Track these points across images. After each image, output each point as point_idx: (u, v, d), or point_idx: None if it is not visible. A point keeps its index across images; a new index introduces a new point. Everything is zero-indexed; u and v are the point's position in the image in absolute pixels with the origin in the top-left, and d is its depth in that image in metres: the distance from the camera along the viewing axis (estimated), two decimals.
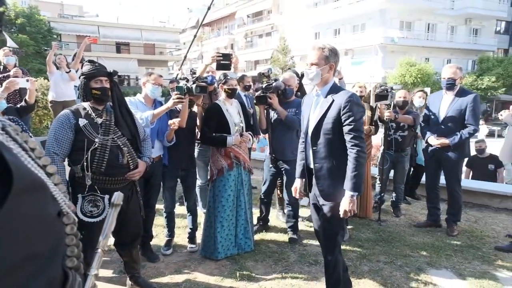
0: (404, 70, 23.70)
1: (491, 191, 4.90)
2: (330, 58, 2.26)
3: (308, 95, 2.65)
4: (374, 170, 4.91)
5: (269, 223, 4.01)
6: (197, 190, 3.95)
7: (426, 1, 27.14)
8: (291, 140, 3.54)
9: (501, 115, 3.68)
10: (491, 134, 21.17)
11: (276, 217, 4.29)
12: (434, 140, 3.80)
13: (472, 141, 4.40)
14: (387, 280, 2.89)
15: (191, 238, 3.54)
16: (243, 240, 3.36)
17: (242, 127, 3.32)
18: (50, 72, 5.86)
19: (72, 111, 2.38)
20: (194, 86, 3.01)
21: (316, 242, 3.62)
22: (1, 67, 5.21)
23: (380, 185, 4.48)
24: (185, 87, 3.00)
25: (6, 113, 3.28)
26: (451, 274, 3.03)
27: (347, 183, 2.21)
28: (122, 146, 2.39)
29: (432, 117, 3.89)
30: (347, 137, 2.22)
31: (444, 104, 3.78)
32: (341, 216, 2.25)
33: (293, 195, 2.66)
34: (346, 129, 2.21)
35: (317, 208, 2.46)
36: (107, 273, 3.00)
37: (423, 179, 4.51)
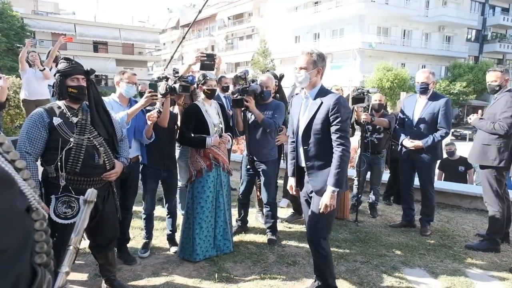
0: (381, 75, 24.34)
1: (462, 192, 5.09)
2: (318, 62, 2.41)
3: (297, 97, 2.78)
4: (351, 172, 5.00)
5: (248, 224, 4.01)
6: (177, 191, 3.91)
7: (402, 8, 28.02)
8: (268, 141, 3.59)
9: (469, 118, 3.84)
10: (463, 138, 22.06)
11: (255, 219, 4.30)
12: (408, 143, 3.92)
13: (443, 144, 4.55)
14: (363, 279, 2.95)
15: (171, 240, 3.50)
16: (222, 242, 3.34)
17: (222, 128, 3.31)
18: (23, 70, 5.66)
19: (46, 109, 2.31)
20: (177, 85, 2.99)
21: (295, 243, 3.67)
22: None
23: (357, 186, 4.57)
24: (167, 86, 2.97)
25: None
26: (424, 272, 3.12)
27: (330, 179, 2.36)
28: (98, 146, 2.34)
29: (406, 120, 4.01)
30: (334, 137, 2.37)
31: (418, 108, 3.91)
32: (321, 211, 2.37)
33: (290, 192, 2.79)
34: (333, 129, 2.37)
35: (309, 204, 2.58)
36: (82, 276, 2.92)
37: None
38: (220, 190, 3.29)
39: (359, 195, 4.55)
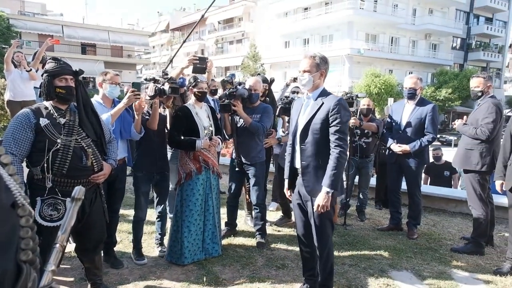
0: (370, 81, 24.69)
1: (447, 196, 5.18)
2: (321, 65, 2.46)
3: (298, 100, 2.82)
4: None
5: (237, 228, 4.00)
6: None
7: (390, 16, 28.56)
8: (256, 144, 3.61)
9: (454, 124, 3.93)
10: (448, 144, 22.47)
11: (244, 222, 4.30)
12: (396, 147, 3.98)
13: (430, 149, 4.64)
14: (351, 282, 2.97)
15: (161, 244, 3.46)
16: (211, 245, 3.32)
17: (212, 131, 3.31)
18: (8, 71, 5.55)
19: (32, 110, 2.27)
20: (167, 87, 2.97)
21: (284, 246, 3.67)
22: None
23: (345, 190, 4.61)
24: (155, 88, 2.95)
25: None
26: (411, 275, 3.16)
27: (325, 180, 2.38)
28: (86, 148, 2.31)
29: (394, 124, 4.08)
30: (332, 138, 2.39)
31: (406, 113, 3.98)
32: (314, 210, 2.39)
33: (287, 196, 2.80)
34: (332, 130, 2.39)
35: (302, 208, 2.60)
36: (68, 280, 2.86)
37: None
38: (209, 193, 3.28)
39: (348, 199, 4.59)
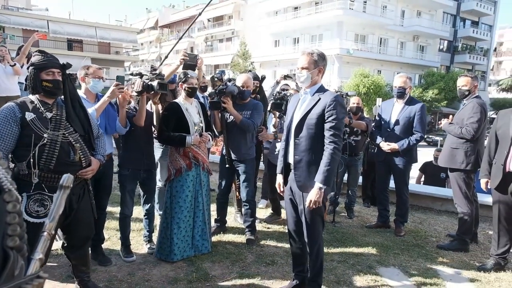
0: (358, 81, 24.93)
1: (433, 194, 5.28)
2: (319, 62, 2.47)
3: (295, 95, 2.83)
4: None
5: (226, 225, 3.99)
6: (156, 191, 3.84)
7: (379, 17, 28.88)
8: (246, 140, 3.60)
9: (440, 123, 4.00)
10: (434, 144, 22.86)
11: (234, 219, 4.29)
12: (385, 145, 4.03)
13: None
14: (340, 278, 3.00)
15: (149, 241, 3.43)
16: (200, 242, 3.31)
17: (202, 127, 3.29)
18: None
19: (17, 104, 2.21)
20: (155, 83, 2.93)
21: (273, 243, 3.68)
22: None
23: (335, 187, 4.64)
24: (143, 83, 2.92)
25: None
26: (398, 271, 3.20)
27: (319, 176, 2.37)
28: (74, 143, 2.27)
29: (383, 123, 4.12)
30: (327, 133, 2.39)
31: (395, 111, 4.03)
32: (306, 206, 2.39)
33: (278, 191, 2.80)
34: (327, 126, 2.39)
35: (293, 203, 2.61)
36: (54, 278, 2.81)
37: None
38: (199, 190, 3.26)
39: (336, 197, 4.63)
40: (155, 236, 3.46)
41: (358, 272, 3.12)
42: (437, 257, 3.53)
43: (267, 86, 5.27)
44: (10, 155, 2.20)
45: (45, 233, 0.73)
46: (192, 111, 3.25)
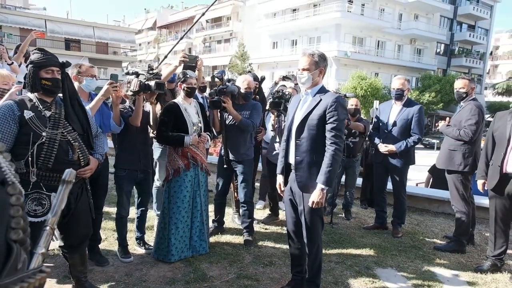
0: (356, 83, 25.00)
1: (430, 196, 5.29)
2: (320, 63, 2.49)
3: (296, 96, 2.83)
4: None
5: (224, 226, 3.99)
6: (154, 191, 3.83)
7: (376, 20, 29.01)
8: (244, 141, 3.61)
9: (438, 125, 4.02)
10: (431, 147, 22.96)
11: (232, 220, 4.29)
12: (382, 147, 4.04)
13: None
14: (338, 279, 3.00)
15: (143, 242, 3.42)
16: (198, 243, 3.30)
17: (201, 127, 3.29)
18: None
19: (16, 102, 2.20)
20: (152, 83, 2.93)
21: (271, 244, 3.68)
22: None
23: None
24: (140, 83, 2.90)
25: None
26: (396, 272, 3.21)
27: (320, 177, 2.38)
28: (72, 141, 2.26)
29: (381, 124, 4.14)
30: (328, 135, 2.40)
31: (393, 113, 4.04)
32: (310, 206, 2.40)
33: (278, 191, 2.80)
34: (328, 127, 2.40)
35: (293, 204, 2.61)
36: (51, 278, 2.79)
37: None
38: (197, 190, 3.25)
39: (334, 198, 4.63)
40: (147, 237, 3.46)
41: (356, 273, 3.12)
42: (434, 258, 3.54)
43: (265, 88, 5.28)
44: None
45: (48, 228, 0.73)
46: (191, 111, 3.24)
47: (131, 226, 3.66)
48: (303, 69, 2.48)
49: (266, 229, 4.13)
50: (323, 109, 2.41)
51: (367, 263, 3.32)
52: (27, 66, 2.28)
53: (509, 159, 3.05)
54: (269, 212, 4.43)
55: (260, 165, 4.65)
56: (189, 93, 3.24)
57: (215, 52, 38.68)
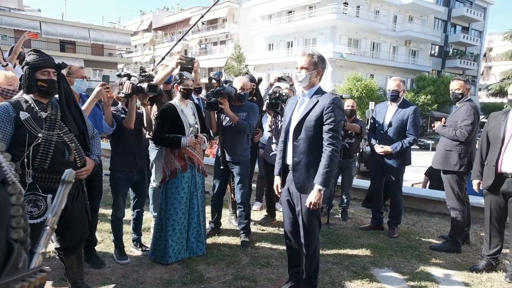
0: (352, 85, 25.12)
1: (426, 196, 5.32)
2: (318, 64, 2.50)
3: (293, 97, 2.83)
4: None
5: (221, 227, 3.98)
6: (150, 192, 3.81)
7: (372, 21, 29.19)
8: (241, 142, 3.61)
9: (433, 125, 4.05)
10: (426, 147, 23.11)
11: (229, 221, 4.28)
12: (378, 148, 4.06)
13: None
14: (335, 279, 3.01)
15: (140, 244, 3.40)
16: (195, 244, 3.29)
17: (197, 128, 3.29)
18: None
19: (11, 103, 2.20)
20: (145, 85, 2.91)
21: (268, 245, 3.68)
22: None
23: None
24: (132, 85, 2.89)
25: None
26: (392, 272, 3.23)
27: (318, 178, 2.39)
28: (69, 143, 2.25)
29: (377, 125, 4.16)
30: (325, 136, 2.41)
31: (389, 114, 4.07)
32: (307, 207, 2.41)
33: (276, 193, 2.80)
34: (325, 128, 2.41)
35: (290, 205, 2.62)
36: (47, 281, 2.77)
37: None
38: (194, 191, 3.25)
39: (330, 198, 4.64)
40: (143, 238, 3.45)
41: (353, 273, 3.13)
42: (430, 258, 3.56)
43: (261, 89, 5.29)
44: None
45: (48, 228, 0.73)
46: (187, 112, 3.24)
47: (128, 228, 3.64)
48: (302, 68, 2.50)
49: (263, 230, 4.13)
50: (320, 110, 2.43)
51: (363, 263, 3.33)
52: (23, 68, 2.27)
53: (504, 158, 3.08)
54: (266, 213, 4.43)
55: (257, 166, 4.65)
56: (186, 95, 3.24)
57: (211, 54, 38.68)
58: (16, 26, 26.49)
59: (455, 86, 3.81)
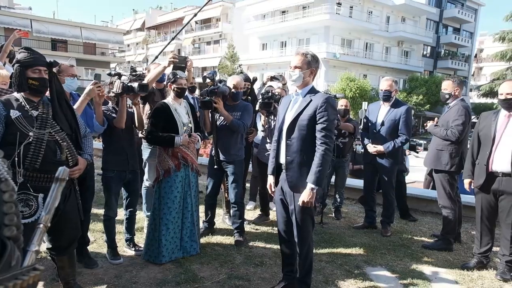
0: (345, 85, 25.24)
1: (418, 196, 5.37)
2: (312, 63, 2.51)
3: (286, 96, 2.83)
4: None
5: (215, 226, 3.98)
6: (143, 191, 3.79)
7: (364, 22, 29.36)
8: (235, 142, 3.61)
9: (426, 125, 4.09)
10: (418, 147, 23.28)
11: (222, 220, 4.28)
12: (371, 147, 4.09)
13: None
14: (328, 278, 3.02)
15: (133, 244, 3.38)
16: (189, 243, 3.28)
17: (191, 127, 3.27)
18: None
19: (1, 101, 2.17)
20: (135, 84, 2.90)
21: (262, 244, 3.68)
22: None
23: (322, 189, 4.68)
24: (122, 84, 2.87)
25: None
26: (385, 270, 3.25)
27: (310, 176, 2.40)
28: (60, 141, 2.23)
29: (370, 125, 4.19)
30: (318, 135, 2.42)
31: (381, 114, 4.10)
32: (300, 204, 2.42)
33: (269, 192, 2.80)
34: (318, 127, 2.42)
35: (284, 204, 2.62)
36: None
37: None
38: (188, 191, 3.23)
39: (324, 198, 4.66)
40: (137, 238, 3.43)
41: (346, 272, 3.15)
42: (422, 256, 3.59)
43: (255, 89, 5.29)
44: None
45: (41, 225, 0.72)
46: (181, 111, 3.23)
47: (120, 228, 3.62)
48: (295, 67, 2.50)
49: (256, 229, 4.14)
50: (314, 109, 2.44)
51: (357, 262, 3.35)
52: (13, 66, 2.24)
53: (495, 158, 3.12)
54: (260, 213, 4.43)
55: (250, 165, 4.65)
56: (179, 94, 3.22)
57: (205, 53, 38.56)
58: (6, 24, 26.11)
59: (443, 86, 3.88)
